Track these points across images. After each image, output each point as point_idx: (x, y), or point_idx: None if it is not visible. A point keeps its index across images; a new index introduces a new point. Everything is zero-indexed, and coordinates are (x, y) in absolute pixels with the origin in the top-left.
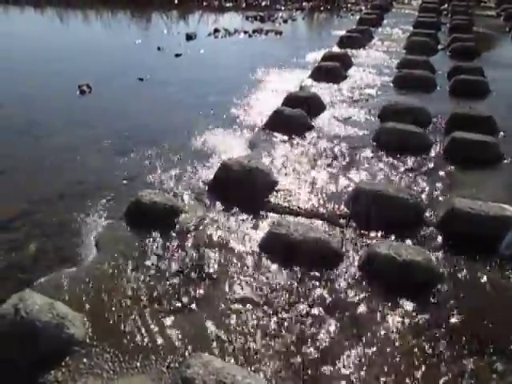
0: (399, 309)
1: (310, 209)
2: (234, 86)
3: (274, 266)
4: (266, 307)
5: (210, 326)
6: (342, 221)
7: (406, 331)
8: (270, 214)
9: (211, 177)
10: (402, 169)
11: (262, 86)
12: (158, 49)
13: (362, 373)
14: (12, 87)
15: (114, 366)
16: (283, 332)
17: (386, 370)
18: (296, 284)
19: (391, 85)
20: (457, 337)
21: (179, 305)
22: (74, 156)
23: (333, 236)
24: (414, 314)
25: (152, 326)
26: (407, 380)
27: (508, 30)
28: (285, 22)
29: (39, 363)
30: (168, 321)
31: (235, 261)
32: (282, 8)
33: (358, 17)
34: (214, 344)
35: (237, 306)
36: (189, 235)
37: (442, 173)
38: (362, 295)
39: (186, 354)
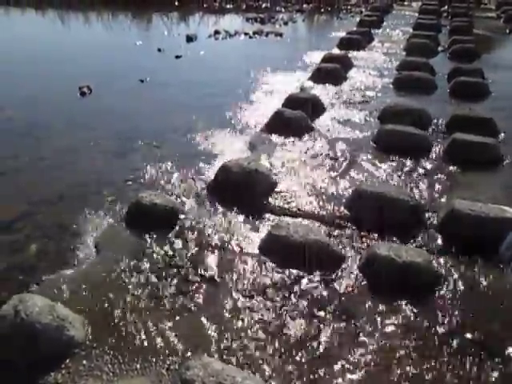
0: (399, 310)
1: (309, 210)
2: (234, 87)
3: (274, 268)
4: (265, 309)
5: (209, 327)
6: (341, 222)
7: (406, 333)
8: (270, 216)
9: (211, 178)
10: (402, 170)
11: (262, 88)
12: (159, 50)
13: (362, 375)
14: (13, 89)
15: (113, 367)
16: (283, 334)
17: (385, 371)
18: (296, 286)
19: (391, 86)
20: (457, 338)
21: (179, 306)
22: (74, 157)
23: (333, 238)
24: (414, 315)
25: (152, 328)
26: (407, 382)
27: (508, 31)
28: (285, 23)
29: (39, 365)
30: (168, 322)
31: (235, 262)
32: (283, 10)
33: (358, 18)
34: (214, 346)
35: (236, 307)
36: (189, 237)
37: (442, 174)
38: (362, 297)
39: (186, 355)
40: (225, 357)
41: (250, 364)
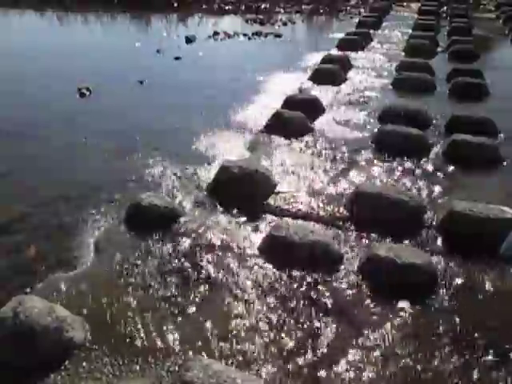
0: (399, 311)
1: (309, 211)
2: (234, 88)
3: (274, 269)
4: (265, 310)
5: (209, 328)
6: (341, 223)
7: (405, 333)
8: (270, 217)
9: (211, 179)
10: (402, 171)
11: (261, 89)
12: (158, 52)
13: (361, 375)
14: (11, 90)
15: (113, 369)
16: (283, 335)
17: (384, 372)
18: (296, 286)
19: (390, 87)
20: (456, 339)
21: (179, 307)
22: (73, 158)
23: (332, 238)
24: (413, 316)
25: (151, 329)
26: (407, 382)
27: (507, 32)
28: (284, 24)
29: (38, 367)
30: (167, 324)
31: (235, 264)
32: (282, 11)
33: (357, 19)
34: (214, 347)
35: (236, 308)
36: (188, 238)
37: (441, 175)
38: (361, 297)
39: (186, 356)
40: (225, 358)
41: (250, 365)
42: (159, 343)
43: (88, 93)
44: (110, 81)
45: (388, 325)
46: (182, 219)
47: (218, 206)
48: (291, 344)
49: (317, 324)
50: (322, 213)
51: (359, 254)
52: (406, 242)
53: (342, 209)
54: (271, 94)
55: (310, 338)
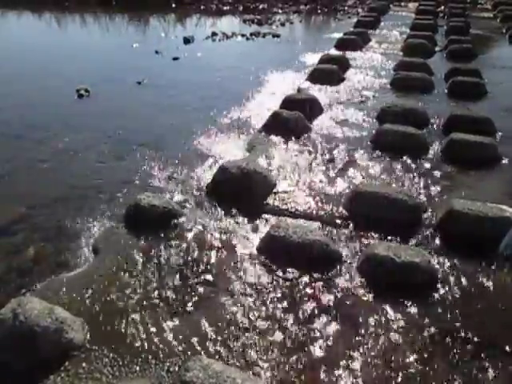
0: (398, 310)
1: (308, 211)
2: (232, 88)
3: (273, 268)
4: (265, 309)
5: (209, 328)
6: (340, 222)
7: (405, 332)
8: (269, 216)
9: (210, 179)
10: (401, 170)
11: (259, 89)
12: (156, 52)
13: (362, 375)
14: (10, 91)
15: (113, 370)
16: (283, 334)
17: (385, 371)
18: (295, 286)
19: (389, 87)
20: (456, 337)
21: (178, 308)
22: (72, 159)
23: (331, 238)
24: (412, 315)
25: (151, 330)
26: (406, 381)
27: (504, 31)
28: (282, 24)
29: (38, 368)
30: (167, 324)
31: (234, 263)
32: (280, 11)
33: (355, 19)
34: (214, 347)
35: (236, 308)
36: (187, 238)
37: (440, 174)
38: (360, 296)
39: (186, 357)
40: (225, 358)
41: (250, 365)
42: (159, 344)
43: (86, 94)
44: (109, 82)
45: (387, 323)
46: (181, 219)
47: (217, 206)
48: (290, 343)
49: (316, 323)
50: (320, 212)
51: (358, 253)
52: (405, 240)
53: (340, 208)
54: (269, 94)
55: (309, 337)
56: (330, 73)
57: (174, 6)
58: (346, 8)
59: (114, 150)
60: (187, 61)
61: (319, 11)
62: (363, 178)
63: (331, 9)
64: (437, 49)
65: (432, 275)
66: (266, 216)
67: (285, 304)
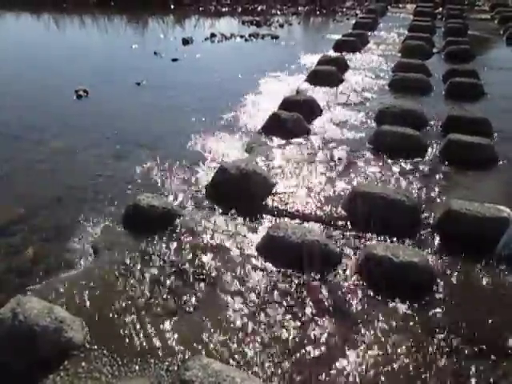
0: (396, 310)
1: (307, 211)
2: (231, 90)
3: (272, 269)
4: (264, 309)
5: (208, 328)
6: (339, 223)
7: (403, 332)
8: (268, 217)
9: (209, 180)
10: (399, 171)
11: (258, 90)
12: (155, 53)
13: (361, 375)
14: (9, 92)
15: (112, 369)
16: (282, 334)
17: (383, 371)
18: (294, 286)
19: (387, 88)
20: (454, 337)
21: (177, 308)
22: (71, 160)
23: (330, 238)
24: (411, 314)
25: (150, 329)
26: (404, 380)
27: (502, 32)
28: (281, 26)
29: (38, 367)
30: (166, 324)
31: (233, 264)
32: (278, 12)
33: (353, 21)
34: (213, 346)
35: (235, 308)
36: (186, 238)
37: (438, 174)
38: (359, 296)
39: (185, 356)
40: (224, 357)
41: (249, 364)
42: (158, 343)
43: (85, 95)
44: (107, 82)
45: (385, 322)
46: (180, 220)
47: (216, 207)
48: (289, 343)
49: (314, 323)
50: (319, 213)
51: (357, 254)
52: (404, 241)
53: (339, 209)
54: (268, 95)
55: (308, 337)
56: (328, 74)
57: (172, 7)
58: (344, 10)
59: (113, 150)
60: (186, 62)
61: (318, 13)
62: (362, 179)
63: (330, 10)
64: (435, 50)
65: (430, 275)
66: (266, 216)
67: (284, 304)
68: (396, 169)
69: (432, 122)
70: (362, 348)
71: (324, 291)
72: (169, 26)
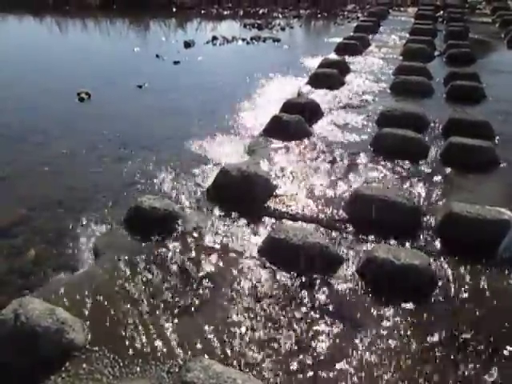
0: (398, 312)
1: (308, 214)
2: (233, 92)
3: (274, 271)
4: (265, 311)
5: (210, 330)
6: (340, 225)
7: (404, 335)
8: (269, 219)
9: (210, 182)
10: (400, 174)
11: (260, 93)
12: (157, 56)
13: (362, 377)
14: (11, 95)
15: (113, 370)
16: (283, 336)
17: (385, 374)
18: (295, 288)
19: (388, 91)
20: (455, 341)
21: (179, 309)
22: (73, 162)
23: (331, 240)
24: (412, 317)
25: (152, 331)
26: (404, 383)
27: (503, 36)
28: (282, 29)
29: (39, 368)
30: (168, 325)
31: (234, 266)
32: (280, 16)
33: (354, 24)
34: (214, 348)
35: (236, 310)
36: (188, 240)
37: (439, 177)
38: (360, 299)
39: (186, 358)
40: (225, 359)
41: (251, 366)
42: (159, 344)
43: (87, 97)
44: (109, 85)
45: (386, 325)
46: (182, 222)
47: (218, 209)
48: (291, 345)
49: (316, 325)
50: (321, 215)
51: (358, 256)
52: (405, 243)
53: (340, 211)
54: (270, 97)
55: (309, 339)
56: (330, 77)
57: (174, 10)
58: (345, 13)
59: (115, 152)
60: (188, 65)
61: (319, 16)
62: (363, 182)
63: (331, 13)
64: (436, 53)
65: (431, 277)
66: (267, 219)
67: (285, 306)
68: (397, 171)
69: (433, 125)
70: (363, 351)
71: (326, 293)
72: (171, 29)
